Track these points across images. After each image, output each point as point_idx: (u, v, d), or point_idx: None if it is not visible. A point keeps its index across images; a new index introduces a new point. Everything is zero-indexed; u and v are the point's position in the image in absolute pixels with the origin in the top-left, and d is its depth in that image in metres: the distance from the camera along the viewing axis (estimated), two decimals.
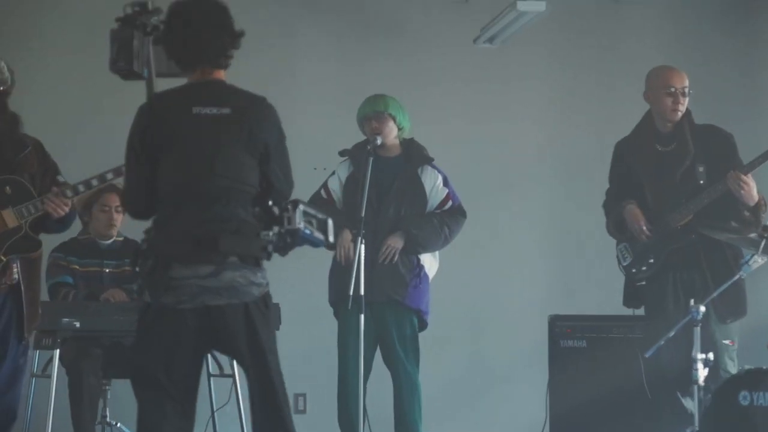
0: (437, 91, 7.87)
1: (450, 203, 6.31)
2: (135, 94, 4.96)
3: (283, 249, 4.33)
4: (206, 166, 4.28)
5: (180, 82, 4.45)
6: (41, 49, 7.63)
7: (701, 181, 5.98)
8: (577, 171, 7.97)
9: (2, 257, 5.05)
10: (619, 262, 6.23)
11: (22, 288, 4.95)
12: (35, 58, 7.49)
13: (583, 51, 8.14)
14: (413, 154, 6.34)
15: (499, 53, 7.79)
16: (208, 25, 4.36)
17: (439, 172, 6.36)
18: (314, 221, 4.37)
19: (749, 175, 5.88)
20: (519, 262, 8.02)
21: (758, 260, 5.64)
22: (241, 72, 4.53)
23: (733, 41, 8.11)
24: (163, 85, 4.43)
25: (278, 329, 6.36)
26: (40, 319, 5.25)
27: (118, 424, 6.69)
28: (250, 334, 4.34)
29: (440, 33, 7.96)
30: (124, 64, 4.35)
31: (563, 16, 7.77)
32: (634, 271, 6.14)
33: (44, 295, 6.45)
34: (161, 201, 4.33)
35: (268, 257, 4.35)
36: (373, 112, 6.29)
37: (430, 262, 6.34)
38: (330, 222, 4.39)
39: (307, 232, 4.33)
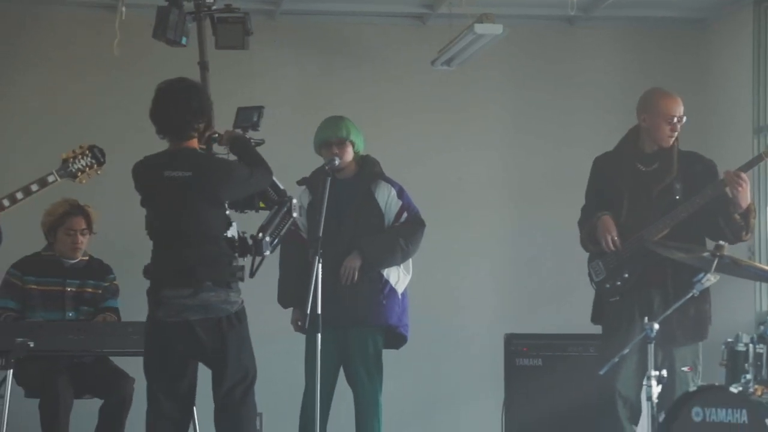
0: (395, 112, 7.91)
1: (405, 214, 6.29)
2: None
3: (252, 273, 5.35)
4: (175, 221, 5.32)
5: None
6: None
7: (677, 197, 5.96)
8: (532, 192, 8.02)
9: None
10: (591, 279, 6.15)
11: None
12: None
13: (540, 73, 8.19)
14: (366, 171, 6.33)
15: (456, 75, 7.83)
16: (174, 105, 5.30)
17: (393, 185, 6.33)
18: (277, 220, 5.40)
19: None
20: (475, 281, 8.04)
21: (711, 278, 5.65)
22: None
23: (685, 62, 8.19)
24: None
25: None
26: None
27: None
28: (218, 344, 5.30)
29: (398, 55, 7.99)
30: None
31: (520, 38, 7.82)
32: (607, 286, 6.07)
33: None
34: (153, 239, 5.39)
35: (242, 279, 5.34)
36: (335, 138, 6.28)
37: (397, 275, 6.29)
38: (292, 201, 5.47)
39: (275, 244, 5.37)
